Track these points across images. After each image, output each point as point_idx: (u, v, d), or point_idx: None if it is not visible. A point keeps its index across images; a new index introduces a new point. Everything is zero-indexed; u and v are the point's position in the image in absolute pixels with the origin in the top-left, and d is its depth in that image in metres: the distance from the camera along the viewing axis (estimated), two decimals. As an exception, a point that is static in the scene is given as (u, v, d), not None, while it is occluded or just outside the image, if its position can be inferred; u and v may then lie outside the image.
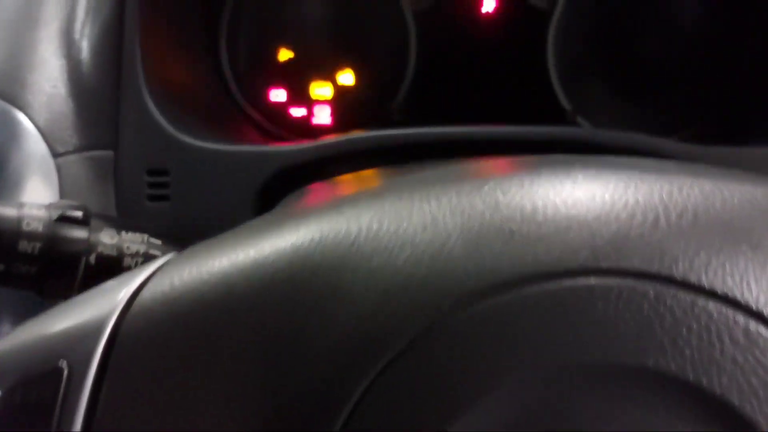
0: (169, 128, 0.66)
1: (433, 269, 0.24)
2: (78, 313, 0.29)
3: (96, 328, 0.27)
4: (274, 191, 0.69)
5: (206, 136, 0.68)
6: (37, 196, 0.65)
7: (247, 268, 0.26)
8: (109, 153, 0.68)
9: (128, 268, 0.51)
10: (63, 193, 0.66)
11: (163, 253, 0.52)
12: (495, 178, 0.27)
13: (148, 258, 0.51)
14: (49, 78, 0.69)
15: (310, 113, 0.87)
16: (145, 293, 0.29)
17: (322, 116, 0.87)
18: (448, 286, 0.23)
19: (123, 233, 0.52)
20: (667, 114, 0.84)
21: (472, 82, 0.87)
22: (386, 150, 0.68)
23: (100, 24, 0.68)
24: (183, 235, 0.71)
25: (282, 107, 0.86)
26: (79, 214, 0.50)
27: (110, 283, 0.34)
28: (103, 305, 0.28)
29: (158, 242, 0.54)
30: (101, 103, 0.68)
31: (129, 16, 0.68)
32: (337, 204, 0.28)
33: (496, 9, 0.87)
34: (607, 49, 0.85)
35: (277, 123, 0.86)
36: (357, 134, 0.67)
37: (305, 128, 0.86)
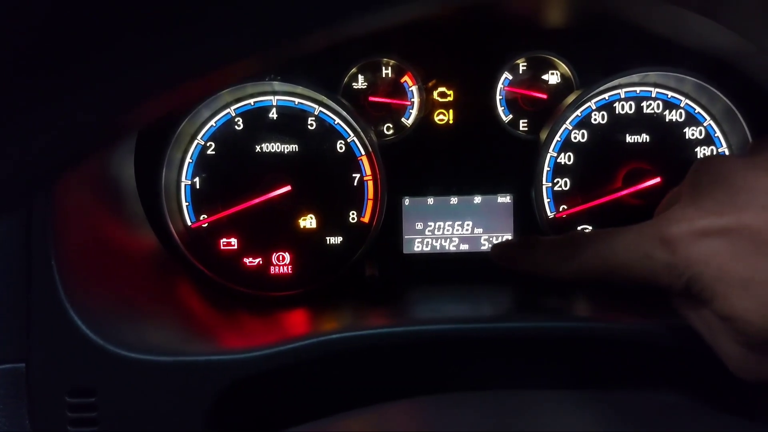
0: (95, 338, 0.53)
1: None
2: None
3: None
4: (227, 405, 0.57)
5: (142, 342, 0.55)
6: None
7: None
8: (20, 366, 0.54)
9: None
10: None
11: None
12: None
13: None
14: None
15: (267, 262, 0.74)
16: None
17: (281, 266, 0.74)
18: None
19: None
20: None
21: (446, 215, 0.76)
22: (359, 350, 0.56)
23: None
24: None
25: (234, 257, 0.74)
26: None
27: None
28: None
29: None
30: (7, 307, 0.54)
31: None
32: None
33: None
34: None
35: (229, 276, 0.73)
36: (326, 335, 0.55)
37: (262, 280, 0.74)
